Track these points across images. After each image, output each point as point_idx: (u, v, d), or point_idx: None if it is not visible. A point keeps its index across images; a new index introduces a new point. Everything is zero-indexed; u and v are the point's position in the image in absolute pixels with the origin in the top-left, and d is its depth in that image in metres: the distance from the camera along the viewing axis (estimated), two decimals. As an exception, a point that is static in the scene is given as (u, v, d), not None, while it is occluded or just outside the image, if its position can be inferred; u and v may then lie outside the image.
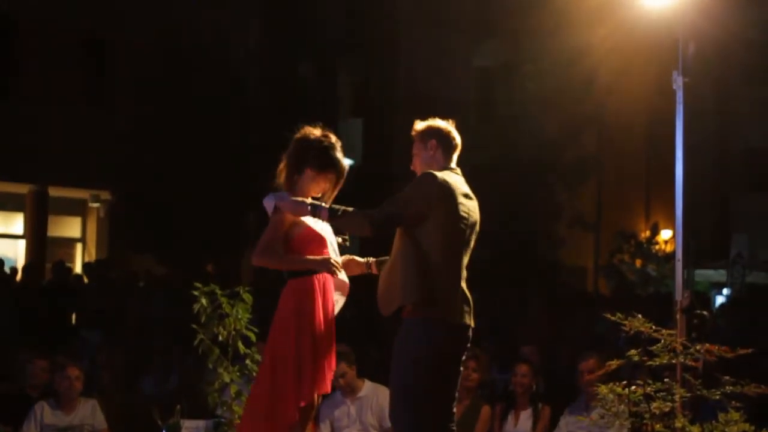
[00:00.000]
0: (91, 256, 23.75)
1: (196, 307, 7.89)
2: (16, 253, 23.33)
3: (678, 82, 6.52)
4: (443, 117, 6.56)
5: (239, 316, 7.91)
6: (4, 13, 22.05)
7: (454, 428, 6.31)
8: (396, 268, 6.40)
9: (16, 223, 24.41)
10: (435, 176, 6.43)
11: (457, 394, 6.84)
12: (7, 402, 9.76)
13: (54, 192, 23.71)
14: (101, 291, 17.19)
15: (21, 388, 10.20)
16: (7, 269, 19.11)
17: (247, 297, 7.94)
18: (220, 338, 7.96)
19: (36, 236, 23.76)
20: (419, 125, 6.86)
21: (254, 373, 8.37)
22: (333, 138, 6.99)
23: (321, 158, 6.81)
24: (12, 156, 21.70)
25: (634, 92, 26.81)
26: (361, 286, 7.16)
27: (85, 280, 19.16)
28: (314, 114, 28.13)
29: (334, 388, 9.66)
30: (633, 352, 6.01)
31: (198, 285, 7.93)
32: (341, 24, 25.97)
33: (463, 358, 6.41)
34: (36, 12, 22.20)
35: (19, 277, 18.95)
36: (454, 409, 6.36)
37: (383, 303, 6.49)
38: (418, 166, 6.74)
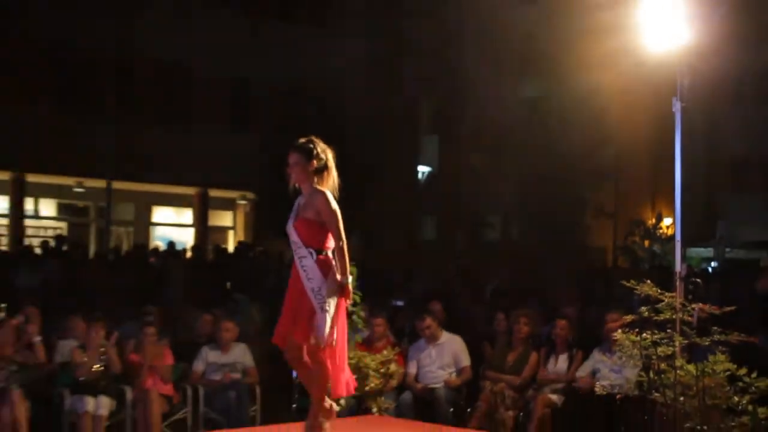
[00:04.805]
0: (240, 239, 24.09)
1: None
2: (187, 237, 23.73)
3: (677, 107, 6.43)
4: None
5: (348, 283, 7.96)
6: (176, 60, 22.41)
7: None
8: None
9: (186, 215, 24.84)
10: None
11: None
12: (184, 346, 9.95)
13: (213, 193, 24.10)
14: (247, 265, 17.42)
15: (192, 336, 10.39)
16: (179, 249, 19.46)
17: (353, 269, 7.97)
18: (335, 299, 8.02)
19: (200, 225, 24.15)
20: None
21: (359, 325, 8.44)
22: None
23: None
24: (183, 167, 22.06)
25: (642, 114, 26.49)
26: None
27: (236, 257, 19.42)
28: (402, 132, 28.19)
29: (419, 337, 9.73)
30: (643, 309, 5.95)
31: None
32: (423, 64, 25.98)
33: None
34: (200, 59, 22.55)
35: (188, 255, 19.27)
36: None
37: None
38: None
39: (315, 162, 5.62)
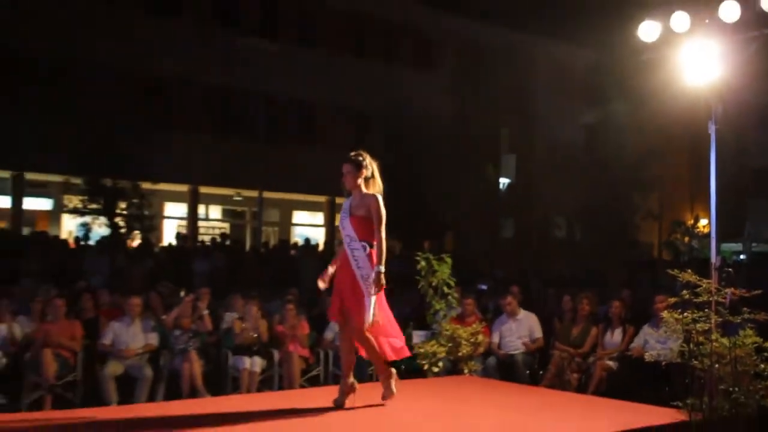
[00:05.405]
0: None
1: (419, 266, 7.98)
2: (319, 235, 24.03)
3: (711, 129, 6.23)
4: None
5: (444, 271, 7.95)
6: (310, 98, 22.69)
7: None
8: None
9: (318, 218, 25.15)
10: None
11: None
12: (317, 319, 10.06)
13: (339, 200, 24.27)
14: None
15: (323, 312, 10.49)
16: (313, 244, 19.70)
17: (448, 260, 7.97)
18: (433, 283, 8.03)
19: (329, 225, 24.41)
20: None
21: (454, 304, 8.41)
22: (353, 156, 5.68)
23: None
24: (316, 180, 22.35)
25: (682, 135, 25.68)
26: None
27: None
28: (485, 152, 27.69)
29: (501, 312, 9.62)
30: (685, 292, 5.77)
31: (419, 253, 8.02)
32: (501, 98, 25.71)
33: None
34: (327, 97, 22.78)
35: (320, 248, 19.49)
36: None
37: None
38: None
39: (364, 171, 5.56)
